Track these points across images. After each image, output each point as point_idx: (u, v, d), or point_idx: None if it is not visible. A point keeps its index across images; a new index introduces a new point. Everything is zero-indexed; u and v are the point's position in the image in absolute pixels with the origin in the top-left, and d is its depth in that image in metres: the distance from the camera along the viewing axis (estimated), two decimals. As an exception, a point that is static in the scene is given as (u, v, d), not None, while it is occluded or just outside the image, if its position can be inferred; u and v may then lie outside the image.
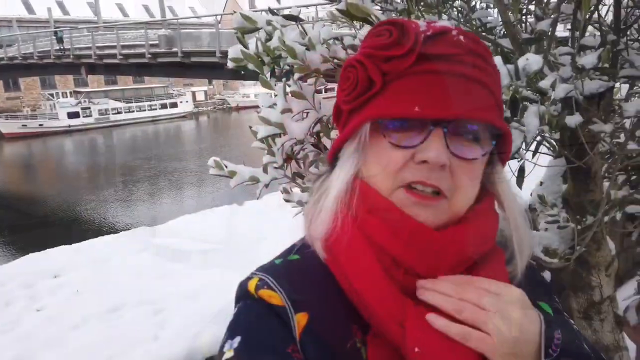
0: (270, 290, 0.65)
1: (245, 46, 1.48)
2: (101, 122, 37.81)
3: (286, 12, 1.49)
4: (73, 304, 6.22)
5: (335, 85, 0.83)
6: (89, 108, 37.77)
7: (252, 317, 0.65)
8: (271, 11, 1.53)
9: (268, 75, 1.52)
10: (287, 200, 1.79)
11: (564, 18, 1.51)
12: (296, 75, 1.38)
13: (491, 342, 0.57)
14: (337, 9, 1.25)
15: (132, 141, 33.44)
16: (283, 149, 1.48)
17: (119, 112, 39.24)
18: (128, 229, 10.53)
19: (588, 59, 1.29)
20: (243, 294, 0.68)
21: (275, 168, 1.67)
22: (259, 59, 1.48)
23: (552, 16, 1.42)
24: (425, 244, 0.61)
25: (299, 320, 0.63)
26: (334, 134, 1.39)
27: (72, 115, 36.37)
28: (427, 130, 0.60)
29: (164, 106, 42.28)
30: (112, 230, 11.73)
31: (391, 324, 0.60)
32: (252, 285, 0.67)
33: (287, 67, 1.47)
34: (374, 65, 0.62)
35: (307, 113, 1.48)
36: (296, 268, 0.69)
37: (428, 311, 0.60)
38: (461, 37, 0.62)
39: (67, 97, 39.26)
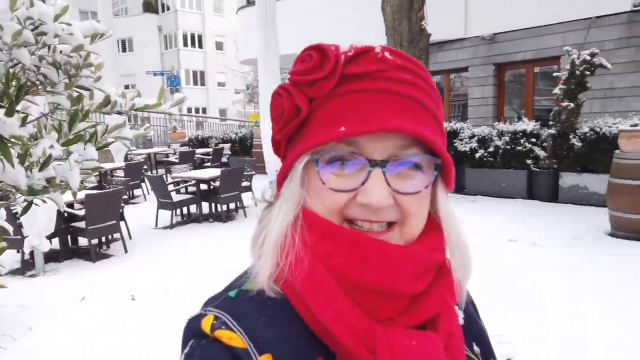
0: (229, 330, 0.58)
1: None
2: None
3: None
4: None
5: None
6: None
7: None
8: None
9: None
10: None
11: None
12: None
13: None
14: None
15: None
16: None
17: None
18: None
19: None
20: (195, 334, 0.60)
21: None
22: None
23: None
24: (380, 256, 0.58)
25: None
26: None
27: None
28: (366, 172, 0.58)
29: None
30: None
31: (361, 351, 0.57)
32: (206, 324, 0.59)
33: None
34: (298, 92, 0.62)
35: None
36: (252, 301, 0.62)
37: (397, 334, 0.58)
38: (387, 54, 0.61)
39: None
